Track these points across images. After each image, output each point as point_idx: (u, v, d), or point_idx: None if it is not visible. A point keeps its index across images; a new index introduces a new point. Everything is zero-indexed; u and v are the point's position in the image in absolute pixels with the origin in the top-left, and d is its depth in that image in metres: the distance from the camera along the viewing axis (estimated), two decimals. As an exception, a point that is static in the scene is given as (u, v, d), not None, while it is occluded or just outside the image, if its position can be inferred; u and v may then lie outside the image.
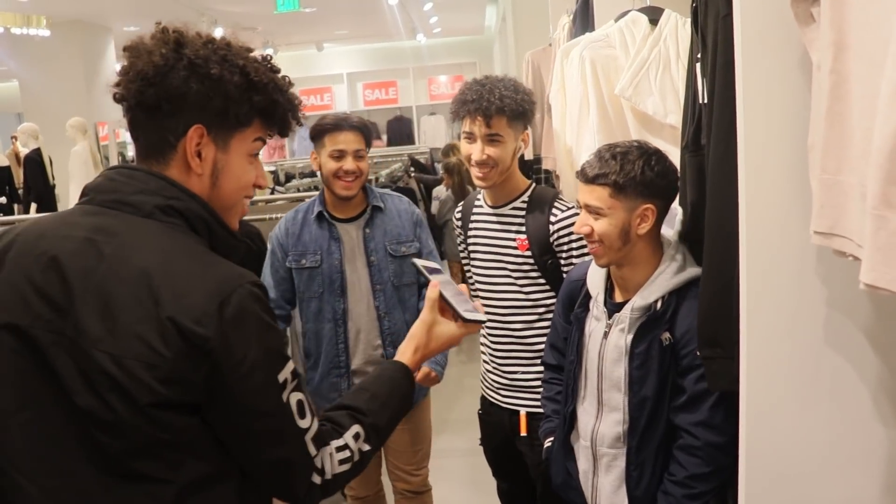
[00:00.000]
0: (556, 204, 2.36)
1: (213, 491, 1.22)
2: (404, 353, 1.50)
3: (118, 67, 1.30)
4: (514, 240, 2.37)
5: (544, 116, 4.50)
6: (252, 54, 1.32)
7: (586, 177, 1.86)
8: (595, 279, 1.99)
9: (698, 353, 1.67)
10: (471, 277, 2.56)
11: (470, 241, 2.52)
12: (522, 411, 2.42)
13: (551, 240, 2.32)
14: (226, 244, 1.31)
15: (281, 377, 1.24)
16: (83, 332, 1.16)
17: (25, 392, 1.19)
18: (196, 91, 1.24)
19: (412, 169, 7.22)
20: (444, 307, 1.51)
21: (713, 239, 1.57)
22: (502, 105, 2.24)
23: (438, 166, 7.69)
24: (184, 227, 1.26)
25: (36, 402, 1.19)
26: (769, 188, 1.39)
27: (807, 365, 1.43)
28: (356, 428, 1.35)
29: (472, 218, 2.51)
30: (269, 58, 1.36)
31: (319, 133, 2.71)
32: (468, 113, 2.29)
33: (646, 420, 1.83)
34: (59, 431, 1.18)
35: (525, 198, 2.40)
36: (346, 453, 1.33)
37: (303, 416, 1.27)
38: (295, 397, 1.26)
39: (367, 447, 1.36)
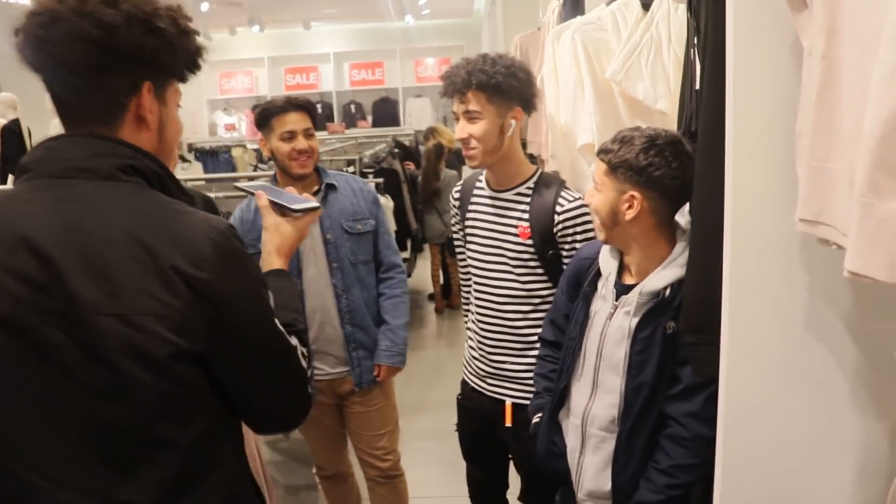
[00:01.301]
0: (562, 192, 2.29)
1: (215, 442, 1.26)
2: (271, 261, 1.55)
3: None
4: (515, 227, 2.31)
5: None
6: (166, 4, 1.29)
7: (598, 150, 1.91)
8: (608, 258, 1.98)
9: (684, 340, 1.67)
10: (464, 260, 2.53)
11: (468, 223, 2.45)
12: (508, 401, 2.38)
13: (555, 229, 2.26)
14: (178, 198, 1.30)
15: (270, 302, 1.30)
16: (79, 301, 1.14)
17: (16, 383, 1.16)
18: (147, 46, 1.23)
19: (397, 151, 7.19)
20: (279, 211, 1.60)
21: (699, 225, 1.57)
22: (469, 79, 2.19)
23: (423, 149, 7.66)
24: (143, 185, 1.25)
25: (28, 391, 1.16)
26: (756, 174, 1.38)
27: (788, 352, 1.44)
28: (295, 340, 1.38)
29: (472, 200, 2.45)
30: (177, 6, 1.32)
31: (266, 118, 2.69)
32: (445, 91, 2.27)
33: (640, 406, 1.83)
34: (58, 415, 1.16)
35: (531, 184, 2.33)
36: (305, 362, 1.39)
37: (288, 334, 1.34)
38: (278, 318, 1.32)
39: (304, 350, 1.40)
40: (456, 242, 2.59)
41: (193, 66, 1.34)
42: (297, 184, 2.67)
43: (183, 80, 1.35)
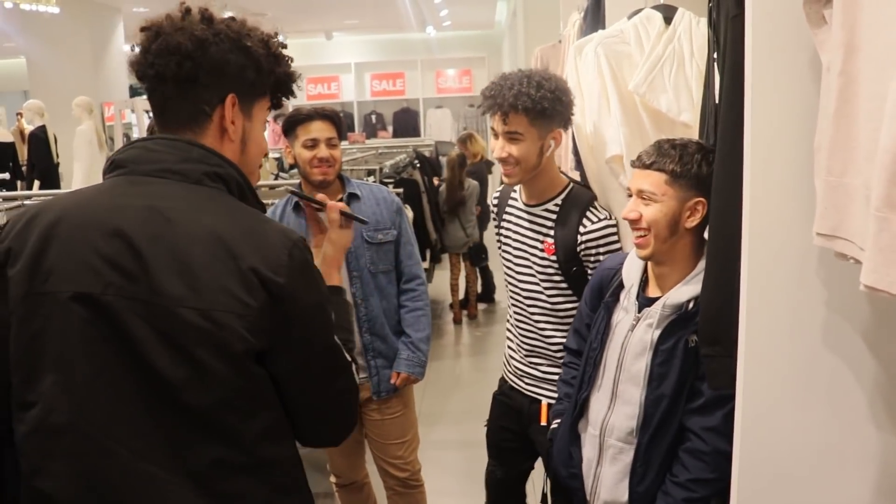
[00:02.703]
0: (587, 213, 2.29)
1: (279, 436, 1.34)
2: (332, 276, 1.72)
3: (128, 49, 1.42)
4: (541, 242, 2.34)
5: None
6: (261, 30, 1.42)
7: (643, 162, 1.88)
8: (631, 270, 1.98)
9: (700, 352, 1.67)
10: (504, 267, 2.54)
11: (503, 231, 2.51)
12: (544, 401, 2.41)
13: (578, 249, 2.28)
14: (255, 207, 1.40)
15: (332, 317, 1.41)
16: (163, 293, 1.22)
17: (98, 360, 1.23)
18: (233, 62, 1.34)
19: (417, 162, 7.21)
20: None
21: (717, 237, 1.58)
22: (516, 103, 2.19)
23: (443, 160, 7.70)
24: (225, 192, 1.35)
25: (109, 370, 1.23)
26: (773, 188, 1.39)
27: (804, 366, 1.44)
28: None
29: (507, 210, 2.49)
30: (275, 34, 1.46)
31: (292, 125, 2.73)
32: (488, 108, 2.28)
33: (660, 418, 1.83)
34: (133, 396, 1.23)
35: (559, 200, 2.35)
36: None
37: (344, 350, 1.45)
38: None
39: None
40: (497, 244, 2.60)
41: (284, 89, 1.46)
42: (318, 192, 2.71)
43: (275, 102, 1.47)
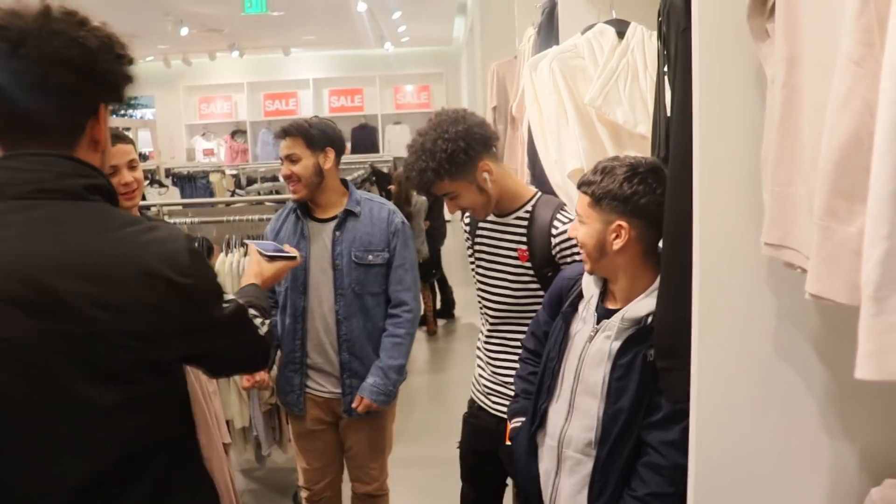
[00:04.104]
0: (558, 215, 2.32)
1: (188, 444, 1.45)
2: (248, 280, 2.03)
3: None
4: (515, 250, 2.35)
5: (507, 127, 4.52)
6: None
7: (578, 183, 1.91)
8: (591, 281, 1.98)
9: (657, 365, 1.68)
10: (476, 281, 2.54)
11: (476, 248, 2.50)
12: (512, 423, 2.39)
13: (554, 252, 2.29)
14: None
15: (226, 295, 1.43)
16: (84, 322, 1.18)
17: (26, 396, 1.20)
18: (110, 71, 1.28)
19: (373, 178, 7.21)
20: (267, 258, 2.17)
21: (670, 249, 1.59)
22: (428, 180, 2.25)
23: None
24: (104, 203, 1.30)
25: (38, 410, 1.21)
26: (723, 199, 1.41)
27: (757, 375, 1.45)
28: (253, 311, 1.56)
29: (480, 225, 2.49)
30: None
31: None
32: (419, 189, 2.37)
33: (618, 432, 1.83)
34: (63, 430, 1.22)
35: (528, 207, 2.37)
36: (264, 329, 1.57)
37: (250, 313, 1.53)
38: (235, 302, 1.45)
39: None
40: (471, 265, 2.59)
41: (126, 94, 1.37)
42: (320, 206, 2.80)
43: (119, 105, 1.43)
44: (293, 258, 2.22)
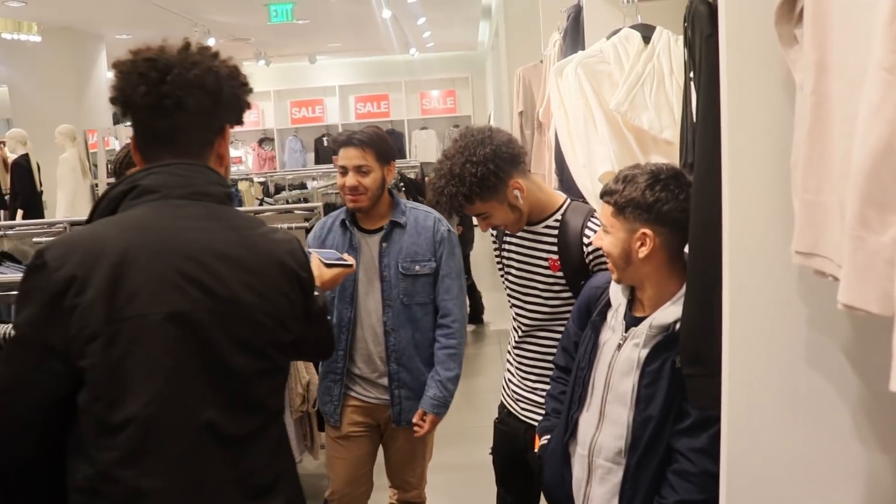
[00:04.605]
0: (589, 223, 2.29)
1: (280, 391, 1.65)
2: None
3: (111, 76, 1.48)
4: (546, 259, 2.33)
5: (534, 132, 4.52)
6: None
7: (600, 193, 1.91)
8: (618, 289, 1.97)
9: (682, 372, 1.67)
10: (507, 290, 2.53)
11: (504, 254, 2.49)
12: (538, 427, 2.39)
13: (587, 260, 2.27)
14: None
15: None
16: (240, 303, 1.45)
17: (184, 373, 1.41)
18: (235, 96, 1.52)
19: (402, 184, 7.21)
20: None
21: (696, 256, 1.58)
22: (457, 204, 2.24)
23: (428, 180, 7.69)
24: (233, 207, 1.59)
25: (194, 380, 1.42)
26: (752, 207, 1.39)
27: (788, 384, 1.44)
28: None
29: (507, 234, 2.47)
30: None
31: (336, 148, 2.76)
32: (446, 212, 2.38)
33: (648, 439, 1.82)
34: (212, 400, 1.44)
35: (558, 216, 2.34)
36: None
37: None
38: (323, 297, 1.83)
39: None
40: (500, 273, 2.58)
41: (241, 116, 1.62)
42: (366, 216, 2.77)
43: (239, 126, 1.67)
44: (349, 266, 2.34)
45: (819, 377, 1.41)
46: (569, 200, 2.39)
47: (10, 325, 1.85)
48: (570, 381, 2.07)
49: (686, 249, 1.84)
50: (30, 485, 1.51)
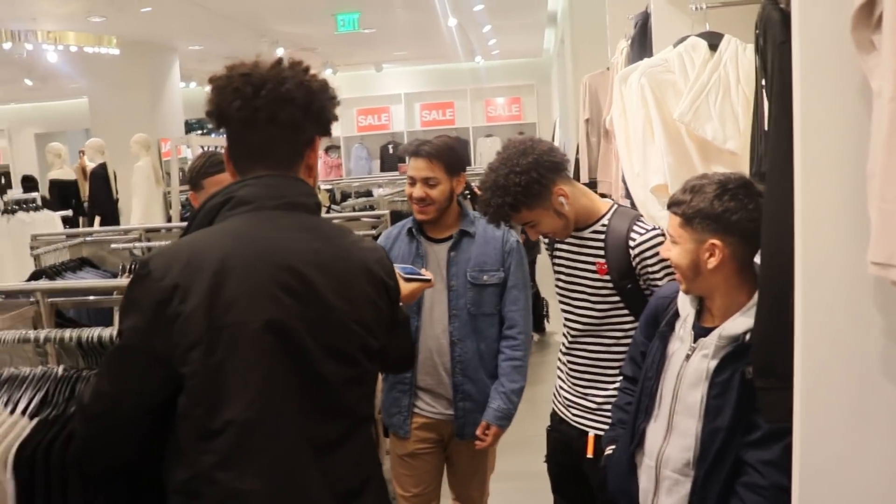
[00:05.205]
0: (634, 226, 2.30)
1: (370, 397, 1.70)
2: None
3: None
4: (593, 263, 2.35)
5: (600, 140, 4.49)
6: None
7: (668, 203, 1.90)
8: (687, 299, 1.96)
9: (755, 384, 1.64)
10: (558, 295, 2.54)
11: (555, 260, 2.51)
12: (591, 433, 2.38)
13: (633, 263, 2.28)
14: None
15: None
16: (333, 310, 1.49)
17: (277, 379, 1.45)
18: (325, 108, 1.56)
19: (468, 192, 7.23)
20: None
21: (768, 267, 1.56)
22: (504, 214, 2.30)
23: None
24: (323, 217, 1.72)
25: (286, 387, 1.46)
26: (826, 216, 1.37)
27: (864, 397, 1.40)
28: None
29: (557, 240, 2.49)
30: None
31: (405, 156, 2.81)
32: (495, 221, 2.42)
33: (716, 451, 1.80)
34: (303, 405, 1.48)
35: (605, 221, 2.36)
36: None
37: None
38: (405, 308, 1.91)
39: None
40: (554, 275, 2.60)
41: (333, 130, 1.66)
42: (434, 225, 2.76)
43: (329, 137, 1.72)
44: (427, 281, 2.35)
45: (895, 389, 1.38)
46: (615, 206, 2.40)
47: (110, 330, 1.91)
48: (637, 391, 2.05)
49: (757, 259, 1.82)
50: (129, 486, 1.58)
